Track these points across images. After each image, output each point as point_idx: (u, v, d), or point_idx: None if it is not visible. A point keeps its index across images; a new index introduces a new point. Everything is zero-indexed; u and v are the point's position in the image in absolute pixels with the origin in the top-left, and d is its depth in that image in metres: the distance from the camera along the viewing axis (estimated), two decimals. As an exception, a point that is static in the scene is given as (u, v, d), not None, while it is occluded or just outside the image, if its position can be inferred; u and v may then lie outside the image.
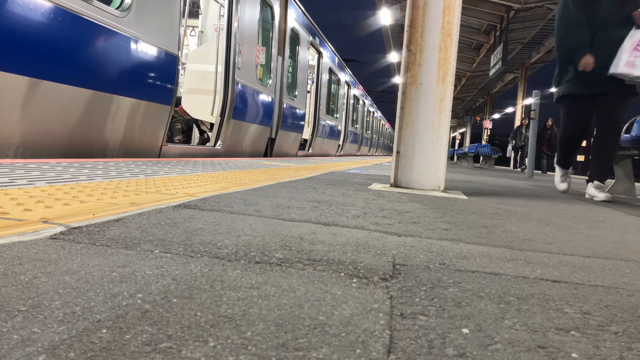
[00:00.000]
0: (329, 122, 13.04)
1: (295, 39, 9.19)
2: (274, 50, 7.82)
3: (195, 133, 7.43)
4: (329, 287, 0.83)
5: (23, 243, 0.94)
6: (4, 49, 2.89)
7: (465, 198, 2.75)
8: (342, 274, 0.91)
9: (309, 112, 11.47)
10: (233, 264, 0.92)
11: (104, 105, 3.79)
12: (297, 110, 9.62)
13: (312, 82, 12.06)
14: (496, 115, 33.74)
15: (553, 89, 4.03)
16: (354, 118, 18.60)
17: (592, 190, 3.69)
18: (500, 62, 15.17)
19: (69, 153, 3.66)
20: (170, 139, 6.50)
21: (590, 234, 1.71)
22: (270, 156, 8.44)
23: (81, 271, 0.80)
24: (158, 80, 4.44)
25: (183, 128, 7.04)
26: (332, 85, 13.69)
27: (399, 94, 3.02)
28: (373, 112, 26.36)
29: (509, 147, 15.46)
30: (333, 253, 1.08)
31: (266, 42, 7.60)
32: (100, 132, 3.87)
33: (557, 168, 4.29)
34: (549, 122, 13.65)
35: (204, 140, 7.21)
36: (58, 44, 3.25)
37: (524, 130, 14.13)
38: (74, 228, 1.11)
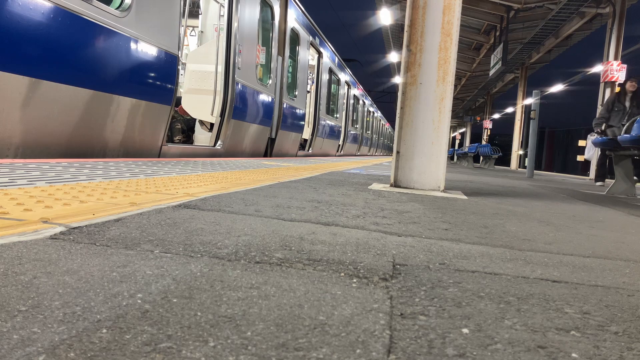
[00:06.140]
0: (329, 122, 13.04)
1: (295, 39, 9.18)
2: (274, 50, 7.82)
3: (195, 133, 7.42)
4: (329, 287, 0.83)
5: (23, 243, 0.94)
6: (4, 49, 2.89)
7: (465, 198, 2.75)
8: (342, 274, 0.91)
9: (309, 112, 11.46)
10: (233, 264, 0.92)
11: (104, 105, 3.79)
12: (297, 110, 9.62)
13: (312, 82, 12.05)
14: (496, 115, 33.72)
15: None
16: (354, 118, 18.60)
17: None
18: (500, 62, 15.15)
19: (69, 153, 3.66)
20: (170, 139, 6.50)
21: (590, 234, 1.71)
22: (270, 156, 8.44)
23: (81, 271, 0.80)
24: (158, 80, 4.44)
25: (183, 128, 7.04)
26: (332, 85, 13.69)
27: (399, 94, 3.02)
28: (373, 112, 26.36)
29: (590, 141, 7.84)
30: (333, 253, 1.08)
31: (266, 42, 7.60)
32: (100, 132, 3.87)
33: None
34: None
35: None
36: (58, 44, 3.25)
37: (627, 104, 7.20)
38: (74, 228, 1.11)
